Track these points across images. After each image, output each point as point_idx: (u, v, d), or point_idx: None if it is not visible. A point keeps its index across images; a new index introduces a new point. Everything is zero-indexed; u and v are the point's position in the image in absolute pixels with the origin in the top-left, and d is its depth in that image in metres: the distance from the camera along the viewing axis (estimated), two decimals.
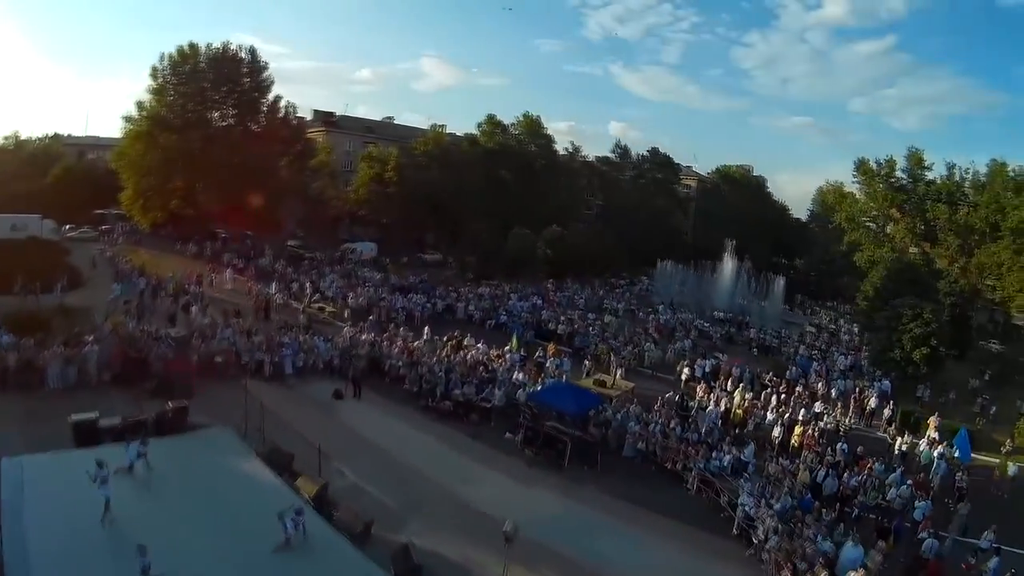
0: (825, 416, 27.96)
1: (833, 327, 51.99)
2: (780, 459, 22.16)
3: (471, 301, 43.34)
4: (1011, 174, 55.60)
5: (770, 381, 31.92)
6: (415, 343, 30.20)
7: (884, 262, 47.98)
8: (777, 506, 18.04)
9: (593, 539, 16.52)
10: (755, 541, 17.05)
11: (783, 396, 29.32)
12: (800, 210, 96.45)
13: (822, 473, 21.24)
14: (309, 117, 69.64)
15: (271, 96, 54.74)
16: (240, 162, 47.92)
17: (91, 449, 15.72)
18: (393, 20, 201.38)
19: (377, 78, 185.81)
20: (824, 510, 18.76)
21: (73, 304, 31.27)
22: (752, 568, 16.48)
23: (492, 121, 73.92)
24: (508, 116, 75.63)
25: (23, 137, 74.04)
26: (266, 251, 51.27)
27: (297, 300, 39.43)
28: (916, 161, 62.61)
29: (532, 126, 74.25)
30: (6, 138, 71.92)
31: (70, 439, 16.96)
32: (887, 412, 29.94)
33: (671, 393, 27.70)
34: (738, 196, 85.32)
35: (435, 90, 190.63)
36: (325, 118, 75.23)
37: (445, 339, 31.99)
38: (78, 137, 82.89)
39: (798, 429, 25.41)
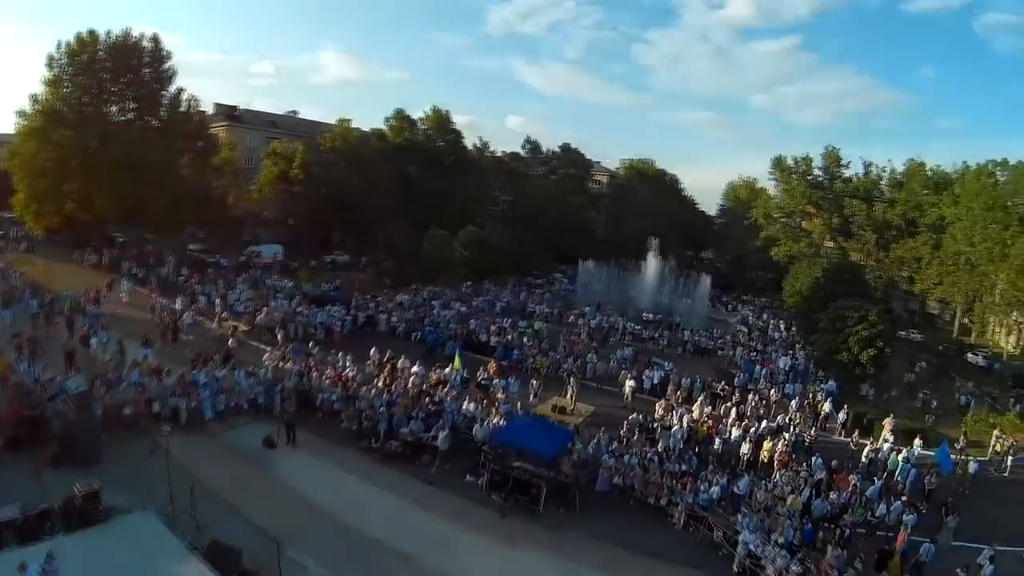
0: (791, 427, 27.49)
1: (761, 324, 52.97)
2: (764, 483, 21.04)
3: (392, 311, 40.38)
4: (929, 174, 59.69)
5: (722, 390, 31.13)
6: (347, 371, 26.75)
7: (821, 262, 49.32)
8: (781, 540, 16.87)
9: None
10: None
11: (741, 408, 28.62)
12: (704, 203, 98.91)
13: (806, 494, 20.47)
14: (211, 111, 66.79)
15: (173, 88, 51.12)
16: (139, 160, 45.04)
17: None
18: (292, 11, 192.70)
19: (276, 71, 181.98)
20: (827, 539, 17.95)
21: None
22: None
23: (400, 116, 71.73)
24: (409, 111, 73.55)
25: None
26: (166, 257, 48.61)
27: (207, 317, 35.23)
28: (833, 159, 66.14)
29: (441, 121, 72.49)
30: None
31: None
32: (841, 416, 30.15)
33: (635, 415, 25.72)
34: (650, 191, 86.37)
35: (335, 83, 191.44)
36: (228, 112, 71.13)
37: (378, 361, 28.90)
38: None
39: (767, 444, 24.64)
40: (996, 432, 28.32)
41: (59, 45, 45.77)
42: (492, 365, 30.12)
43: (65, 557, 11.78)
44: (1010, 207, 49.15)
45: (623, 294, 58.26)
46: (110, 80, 47.96)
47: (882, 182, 65.54)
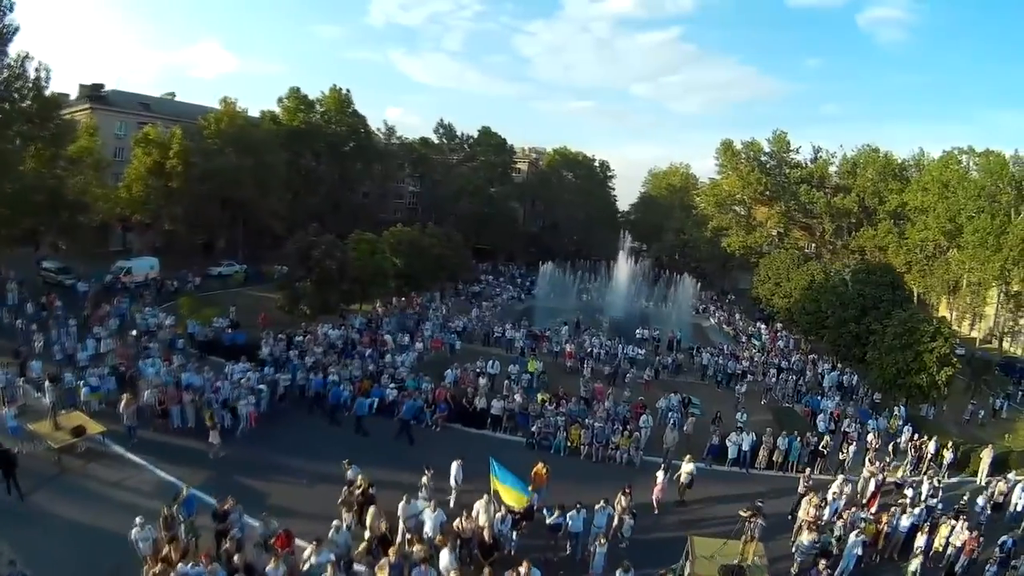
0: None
1: (752, 330, 48.63)
2: None
3: (324, 363, 27.61)
4: (881, 159, 58.32)
5: (824, 446, 24.61)
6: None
7: (855, 269, 45.07)
8: None
9: None
10: None
11: (877, 476, 22.10)
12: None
13: None
14: (74, 96, 57.54)
15: (14, 53, 38.11)
16: None
17: None
18: (168, 2, 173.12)
19: (152, 63, 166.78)
20: None
21: None
22: None
23: (296, 96, 62.70)
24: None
25: None
26: (8, 281, 36.80)
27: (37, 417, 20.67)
28: (782, 144, 63.61)
29: (340, 103, 64.82)
30: None
31: None
32: (948, 455, 25.43)
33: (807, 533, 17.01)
34: (578, 179, 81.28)
35: (213, 77, 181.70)
36: (91, 91, 58.25)
37: (340, 500, 16.32)
38: None
39: (943, 530, 18.90)
40: None
41: None
42: (540, 469, 18.74)
43: None
44: (997, 194, 47.96)
45: (590, 302, 52.17)
46: None
47: (831, 168, 64.07)
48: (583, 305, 52.27)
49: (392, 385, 25.85)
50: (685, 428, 25.54)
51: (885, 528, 18.68)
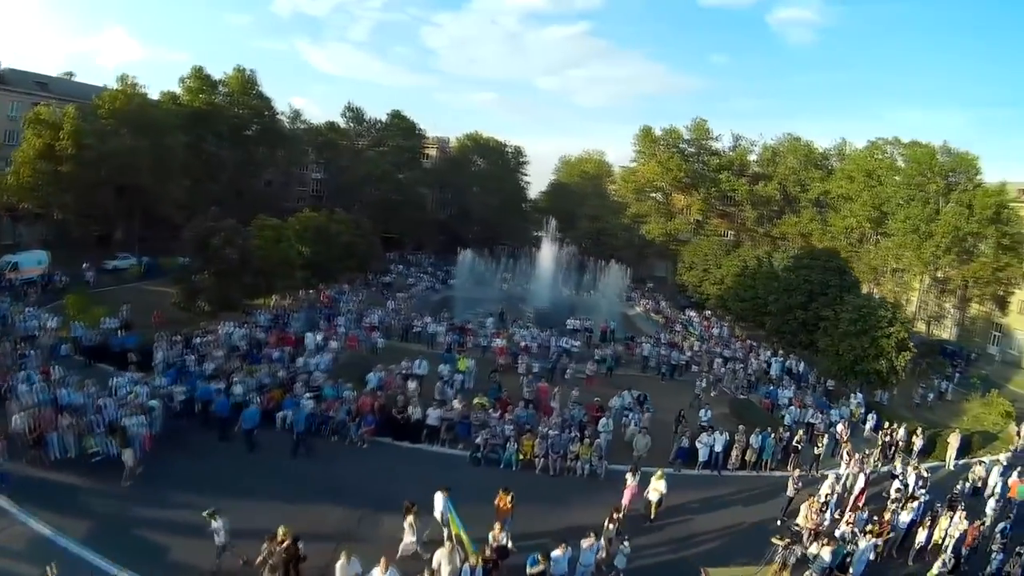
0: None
1: (684, 318, 47.52)
2: None
3: (226, 369, 23.66)
4: (803, 147, 59.25)
5: (798, 441, 23.08)
6: None
7: (797, 255, 44.62)
8: None
9: None
10: None
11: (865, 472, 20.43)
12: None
13: None
14: None
15: None
16: None
17: None
18: None
19: (57, 51, 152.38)
20: None
21: None
22: None
23: (199, 75, 58.87)
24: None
25: None
26: None
27: None
28: (702, 132, 63.60)
29: (244, 84, 61.27)
30: None
31: None
32: (918, 441, 25.08)
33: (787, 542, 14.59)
34: (489, 165, 78.51)
35: (116, 66, 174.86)
36: None
37: (258, 560, 12.68)
38: None
39: (943, 523, 17.55)
40: None
41: None
42: (503, 499, 15.25)
43: None
44: (925, 184, 49.26)
45: (511, 291, 49.54)
46: None
47: (751, 156, 64.72)
48: (504, 295, 49.61)
49: (308, 394, 21.67)
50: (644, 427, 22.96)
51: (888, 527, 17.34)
